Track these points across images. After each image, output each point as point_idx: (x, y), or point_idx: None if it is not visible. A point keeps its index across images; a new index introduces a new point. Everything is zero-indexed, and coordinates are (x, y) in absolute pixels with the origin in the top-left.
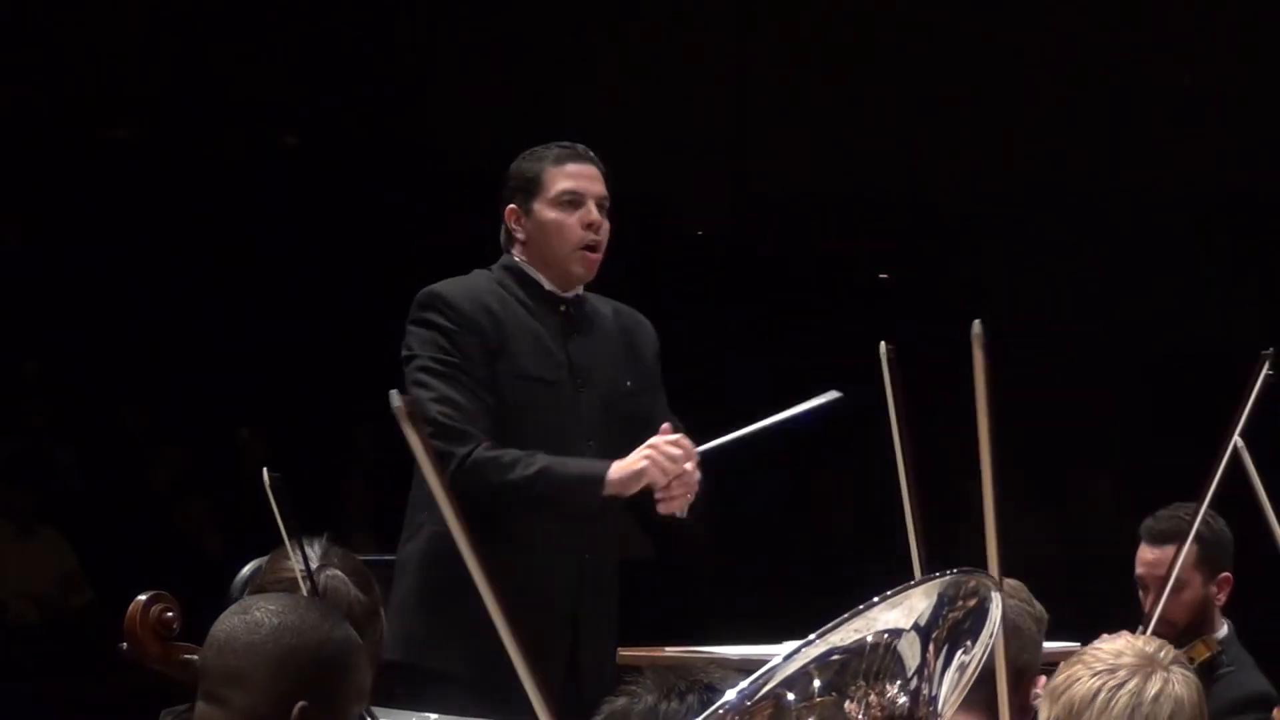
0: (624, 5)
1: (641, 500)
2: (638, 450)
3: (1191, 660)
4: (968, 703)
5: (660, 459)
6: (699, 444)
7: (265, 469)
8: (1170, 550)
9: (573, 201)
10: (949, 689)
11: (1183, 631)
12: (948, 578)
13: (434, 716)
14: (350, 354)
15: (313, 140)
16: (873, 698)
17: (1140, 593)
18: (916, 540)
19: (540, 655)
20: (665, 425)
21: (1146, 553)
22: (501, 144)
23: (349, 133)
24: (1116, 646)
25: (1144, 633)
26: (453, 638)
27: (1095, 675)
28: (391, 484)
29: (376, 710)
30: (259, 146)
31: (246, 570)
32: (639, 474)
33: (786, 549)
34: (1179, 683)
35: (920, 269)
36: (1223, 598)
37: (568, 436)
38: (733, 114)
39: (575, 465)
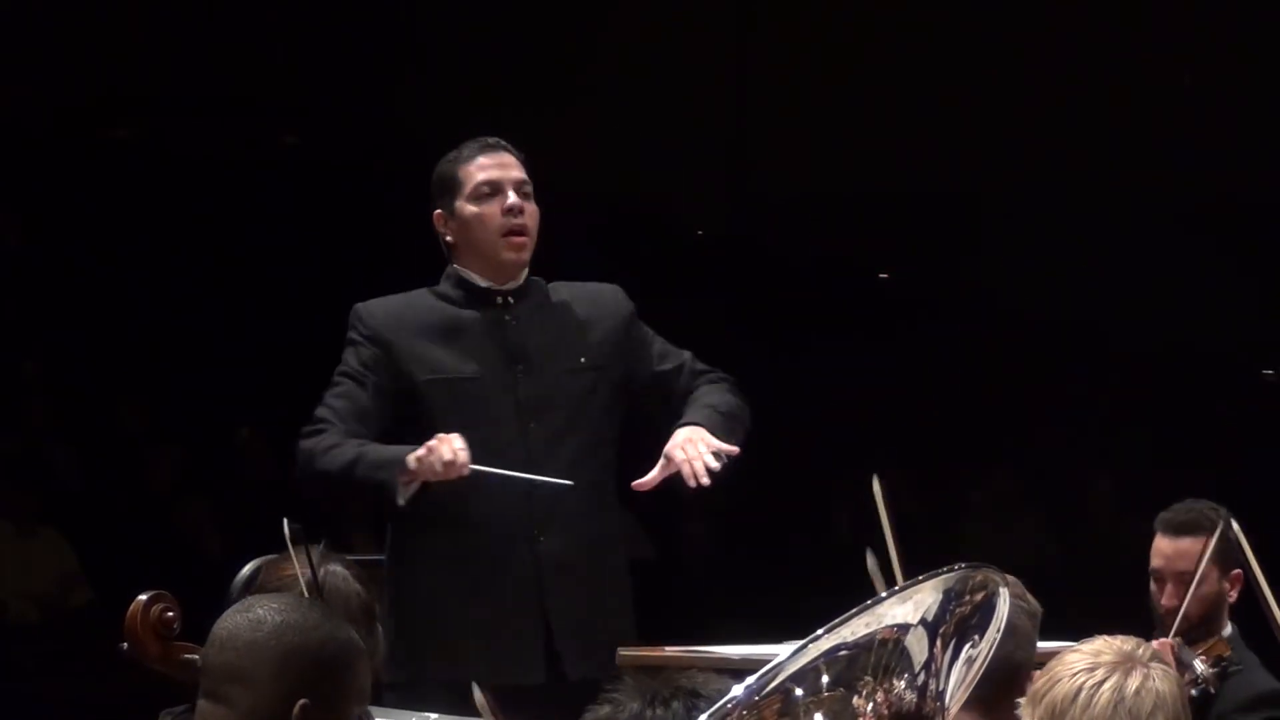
0: (624, 5)
1: (642, 501)
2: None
3: (1211, 656)
4: (965, 701)
5: (435, 452)
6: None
7: (285, 520)
8: (1188, 543)
9: (490, 192)
10: (956, 683)
11: (1194, 626)
12: (955, 573)
13: (434, 716)
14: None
15: (313, 140)
16: (880, 694)
17: (1154, 585)
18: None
19: (513, 648)
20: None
21: (1165, 545)
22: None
23: (349, 133)
24: (1094, 647)
25: (1168, 627)
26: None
27: (1074, 675)
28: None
29: (375, 709)
30: (259, 146)
31: (246, 570)
32: (425, 468)
33: (786, 549)
34: (1159, 678)
35: (921, 268)
36: (1234, 594)
37: (501, 425)
38: (733, 114)
39: (382, 453)
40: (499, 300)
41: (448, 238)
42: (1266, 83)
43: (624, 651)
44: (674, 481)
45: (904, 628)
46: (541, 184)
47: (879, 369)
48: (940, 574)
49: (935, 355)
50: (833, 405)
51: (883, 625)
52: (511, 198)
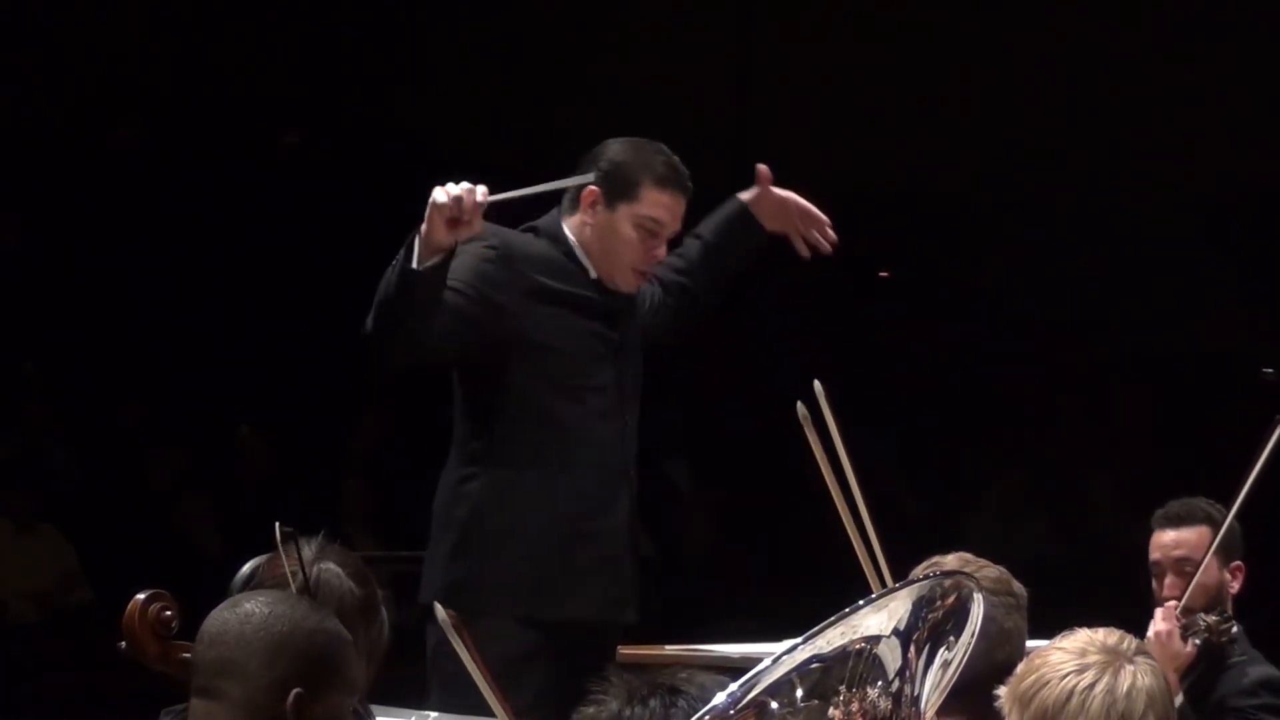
0: (624, 4)
1: (641, 501)
2: None
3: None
4: (947, 707)
5: (437, 190)
6: None
7: (277, 524)
8: (1184, 532)
9: (653, 231)
10: (932, 686)
11: (1197, 614)
12: (925, 582)
13: (434, 715)
14: (350, 354)
15: (313, 140)
16: (855, 703)
17: (1154, 581)
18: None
19: (618, 593)
20: None
21: (1163, 536)
22: (501, 142)
23: (349, 132)
24: (1078, 644)
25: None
26: (504, 583)
27: (1064, 677)
28: (391, 483)
29: (375, 708)
30: (259, 146)
31: (246, 569)
32: (428, 208)
33: (786, 547)
34: (1145, 673)
35: (922, 268)
36: (1236, 585)
37: (605, 397)
38: (733, 114)
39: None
40: (611, 293)
41: (584, 216)
42: (1267, 82)
43: (624, 650)
44: (674, 481)
45: (875, 639)
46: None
47: (879, 369)
48: (911, 584)
49: (936, 355)
50: (833, 405)
51: (856, 636)
52: (662, 249)
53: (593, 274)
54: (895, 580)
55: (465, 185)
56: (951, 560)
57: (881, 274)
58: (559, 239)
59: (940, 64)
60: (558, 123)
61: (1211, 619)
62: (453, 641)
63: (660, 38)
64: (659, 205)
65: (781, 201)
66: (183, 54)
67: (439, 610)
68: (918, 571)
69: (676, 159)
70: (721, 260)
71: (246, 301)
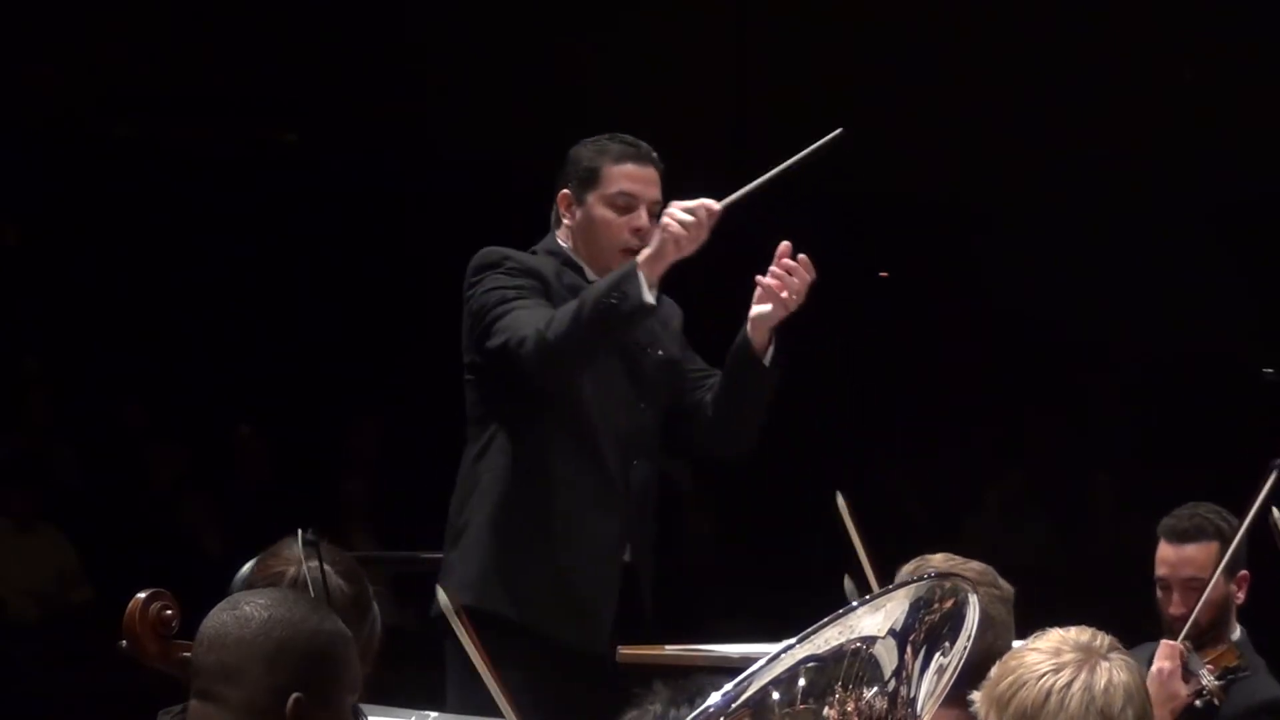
0: (624, 4)
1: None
2: None
3: (1219, 666)
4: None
5: (671, 221)
6: None
7: (300, 530)
8: (1191, 549)
9: (626, 205)
10: (928, 690)
11: (1204, 631)
12: (923, 582)
13: (434, 715)
14: (350, 353)
15: (312, 139)
16: (850, 703)
17: (1159, 593)
18: None
19: (589, 616)
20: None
21: (1168, 552)
22: (501, 141)
23: (348, 132)
24: (1052, 644)
25: (1176, 634)
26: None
27: (1041, 678)
28: (391, 483)
29: (375, 708)
30: (259, 146)
31: (246, 569)
32: (661, 242)
33: (786, 547)
34: (1121, 669)
35: (922, 268)
36: (1242, 596)
37: (616, 398)
38: (733, 113)
39: (602, 281)
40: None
41: (567, 220)
42: (1266, 82)
43: (624, 650)
44: (674, 481)
45: (871, 640)
46: (541, 184)
47: (879, 369)
48: (910, 583)
49: (936, 356)
50: (833, 404)
51: (852, 637)
52: (643, 219)
53: (590, 275)
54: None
55: (694, 203)
56: (938, 560)
57: (881, 274)
58: (556, 252)
59: (942, 64)
60: (558, 121)
61: (1216, 685)
62: (453, 626)
63: (660, 37)
64: (622, 178)
65: (762, 294)
66: (183, 54)
67: (441, 595)
68: (906, 570)
69: (634, 139)
70: (729, 383)
71: (246, 301)
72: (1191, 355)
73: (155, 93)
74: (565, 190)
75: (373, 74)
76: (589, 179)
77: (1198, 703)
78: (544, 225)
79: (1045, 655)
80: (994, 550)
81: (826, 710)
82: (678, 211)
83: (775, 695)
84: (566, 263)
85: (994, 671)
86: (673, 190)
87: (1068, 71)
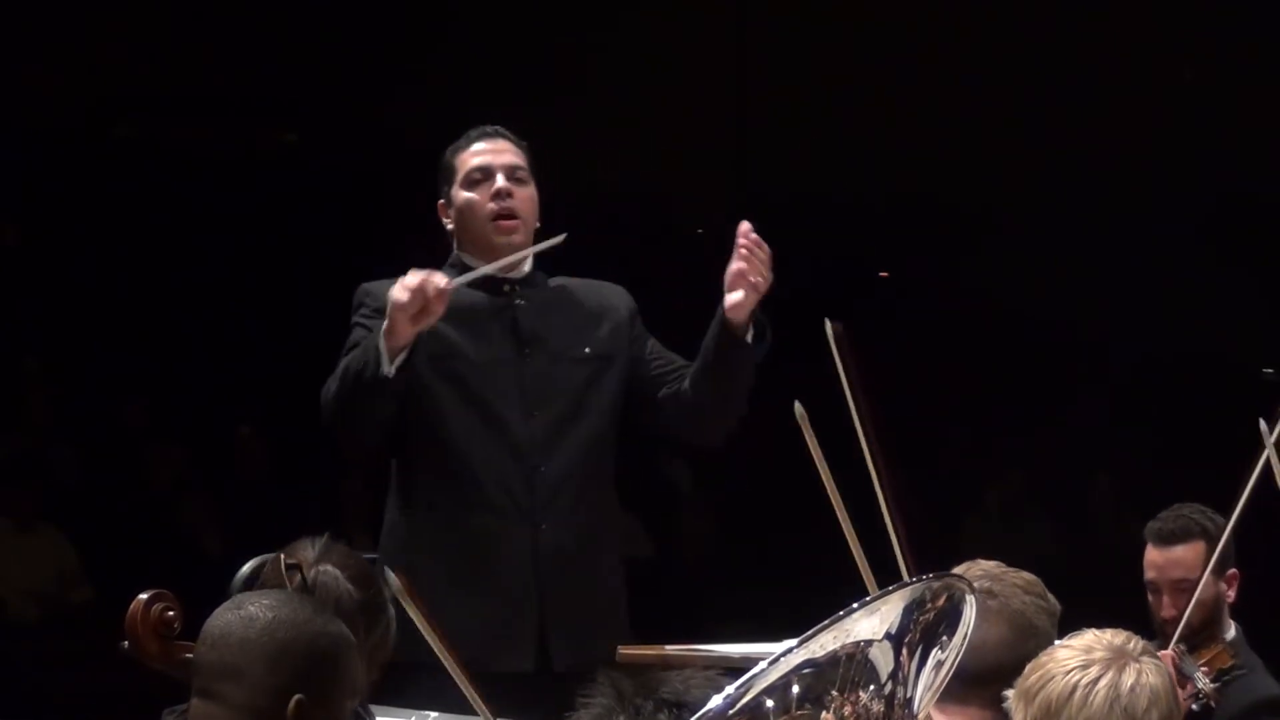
0: (623, 4)
1: (642, 500)
2: None
3: (1214, 668)
4: (967, 696)
5: (395, 289)
6: None
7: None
8: (1179, 551)
9: (481, 178)
10: (925, 687)
11: (1196, 631)
12: (915, 585)
13: (434, 715)
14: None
15: (312, 139)
16: (848, 707)
17: (1150, 596)
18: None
19: (505, 636)
20: None
21: (1155, 555)
22: None
23: (349, 132)
24: (1085, 642)
25: (1168, 636)
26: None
27: (1068, 673)
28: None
29: (375, 708)
30: (259, 146)
31: (246, 569)
32: (389, 314)
33: (786, 546)
34: (1151, 672)
35: (922, 268)
36: (1232, 594)
37: (505, 408)
38: (733, 114)
39: (359, 349)
40: (505, 288)
41: (449, 226)
42: (1265, 82)
43: (624, 650)
44: (674, 483)
45: (867, 643)
46: (542, 184)
47: (879, 369)
48: (902, 587)
49: (936, 356)
50: (833, 404)
51: (849, 640)
52: (500, 182)
53: (475, 265)
54: (883, 579)
55: (420, 274)
56: (989, 566)
57: (881, 274)
58: (455, 264)
59: (941, 65)
60: (559, 123)
61: (1211, 687)
62: (404, 604)
63: (661, 38)
64: (470, 157)
65: (733, 280)
66: (183, 54)
67: (389, 575)
68: (958, 571)
69: (480, 127)
70: (710, 365)
71: (246, 301)
72: (1191, 355)
73: (155, 93)
74: (440, 201)
75: (373, 74)
76: (449, 175)
77: (1194, 706)
78: (543, 225)
79: (1076, 653)
80: (994, 550)
81: (824, 714)
82: (405, 278)
83: (769, 703)
84: (461, 269)
85: (1027, 666)
86: (674, 188)
87: (1068, 71)
